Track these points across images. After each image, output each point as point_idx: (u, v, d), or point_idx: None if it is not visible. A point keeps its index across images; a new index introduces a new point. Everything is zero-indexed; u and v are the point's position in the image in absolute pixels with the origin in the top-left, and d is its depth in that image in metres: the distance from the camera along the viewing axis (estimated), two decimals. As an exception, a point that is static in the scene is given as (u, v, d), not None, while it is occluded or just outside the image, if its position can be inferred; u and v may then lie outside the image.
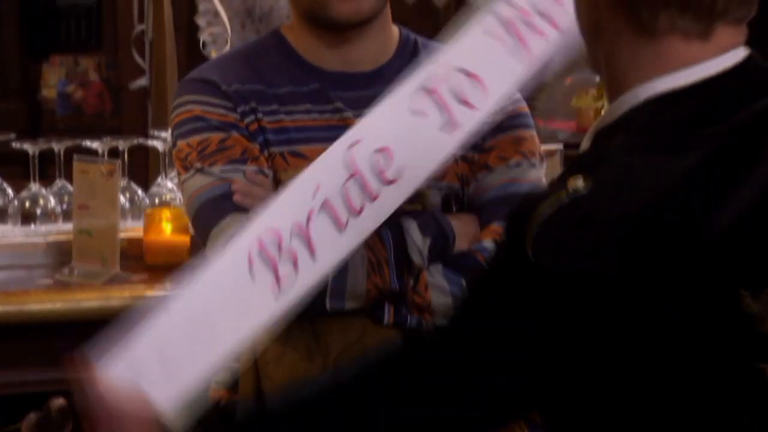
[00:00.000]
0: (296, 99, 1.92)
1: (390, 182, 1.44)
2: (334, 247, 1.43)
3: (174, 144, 1.95)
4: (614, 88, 1.22)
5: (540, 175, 1.96)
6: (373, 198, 1.43)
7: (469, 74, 1.46)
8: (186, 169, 1.91)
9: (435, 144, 1.46)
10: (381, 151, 1.44)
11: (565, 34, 1.48)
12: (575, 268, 1.11)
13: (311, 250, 1.42)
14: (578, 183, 1.13)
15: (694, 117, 1.15)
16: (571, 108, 3.95)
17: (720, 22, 1.17)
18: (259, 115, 1.90)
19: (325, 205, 1.43)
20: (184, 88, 1.96)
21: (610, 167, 1.14)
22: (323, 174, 1.44)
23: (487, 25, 1.47)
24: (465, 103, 1.45)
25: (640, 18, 1.18)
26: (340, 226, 1.43)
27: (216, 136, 1.90)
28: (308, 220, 1.42)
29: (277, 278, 1.42)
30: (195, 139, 1.91)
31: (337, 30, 1.91)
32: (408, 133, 1.46)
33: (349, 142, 1.44)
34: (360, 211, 1.43)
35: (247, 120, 1.91)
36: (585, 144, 1.24)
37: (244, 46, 2.04)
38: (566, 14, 1.45)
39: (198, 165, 1.89)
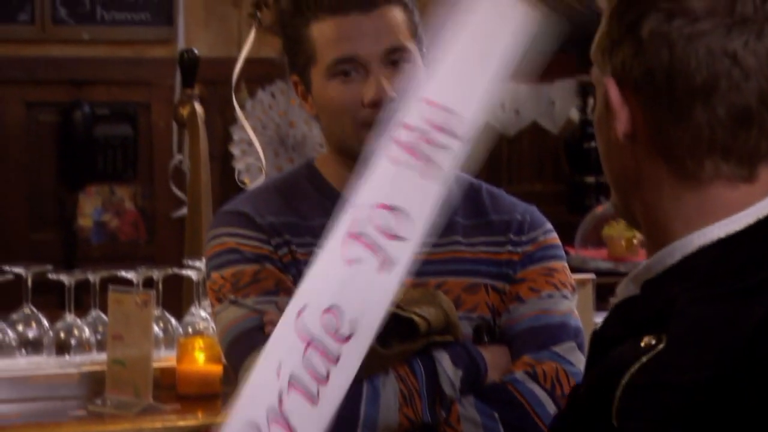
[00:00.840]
0: (329, 231, 1.94)
1: (347, 339, 1.43)
2: (313, 421, 1.42)
3: (208, 275, 1.97)
4: (656, 237, 1.19)
5: (572, 306, 1.96)
6: (336, 360, 1.43)
7: (389, 208, 1.47)
8: (219, 300, 1.93)
9: (378, 286, 1.45)
10: (328, 311, 1.44)
11: (466, 141, 1.49)
12: None
13: None
14: (652, 342, 1.10)
15: (755, 260, 1.13)
16: (602, 236, 3.95)
17: (763, 163, 1.16)
18: (293, 247, 1.92)
19: (293, 383, 1.42)
20: (219, 221, 1.99)
21: (680, 321, 1.11)
22: (281, 351, 1.43)
23: (392, 154, 1.48)
24: (394, 237, 1.46)
25: (683, 166, 1.16)
26: (312, 400, 1.42)
27: (250, 269, 1.91)
28: (280, 402, 1.41)
29: None
30: (229, 271, 1.93)
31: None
32: (349, 284, 1.46)
33: (296, 311, 1.44)
34: (327, 378, 1.42)
35: (280, 252, 1.92)
36: (625, 290, 1.20)
37: (278, 178, 2.07)
38: (462, 122, 1.46)
39: (231, 297, 1.91)
